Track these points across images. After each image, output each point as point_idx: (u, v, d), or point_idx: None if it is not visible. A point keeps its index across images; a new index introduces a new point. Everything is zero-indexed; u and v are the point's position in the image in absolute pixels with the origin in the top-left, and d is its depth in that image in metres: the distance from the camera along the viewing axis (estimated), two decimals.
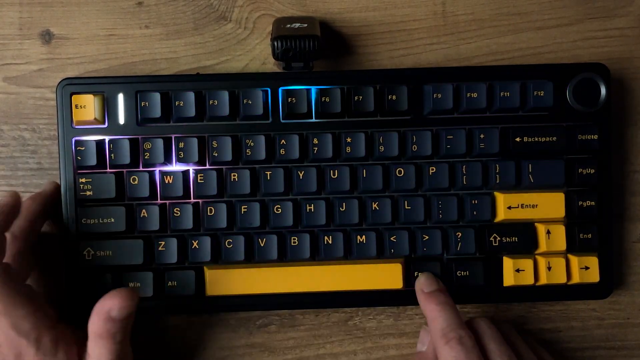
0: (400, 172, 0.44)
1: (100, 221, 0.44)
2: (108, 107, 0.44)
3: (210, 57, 0.48)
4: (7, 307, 0.37)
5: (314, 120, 0.45)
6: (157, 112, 0.44)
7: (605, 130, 0.45)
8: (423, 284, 0.43)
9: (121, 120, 0.44)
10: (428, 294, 0.43)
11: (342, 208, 0.44)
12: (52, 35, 0.48)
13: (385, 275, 0.44)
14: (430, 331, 0.42)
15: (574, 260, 0.45)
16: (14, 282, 0.39)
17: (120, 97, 0.44)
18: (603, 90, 0.45)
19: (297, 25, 0.44)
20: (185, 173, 0.44)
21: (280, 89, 0.44)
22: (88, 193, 0.44)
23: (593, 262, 0.45)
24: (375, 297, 0.45)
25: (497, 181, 0.45)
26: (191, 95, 0.44)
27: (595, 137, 0.45)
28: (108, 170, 0.44)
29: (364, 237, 0.44)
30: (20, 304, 0.38)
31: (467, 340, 0.40)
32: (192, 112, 0.44)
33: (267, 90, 0.44)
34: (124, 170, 0.44)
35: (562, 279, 0.45)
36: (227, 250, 0.44)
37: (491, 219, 0.45)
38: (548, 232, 0.45)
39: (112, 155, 0.44)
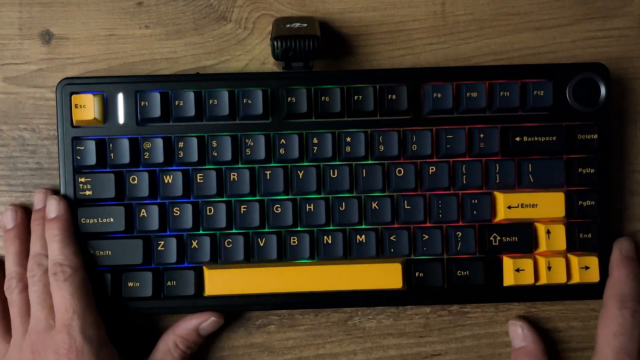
0: (400, 171, 0.44)
1: (100, 221, 0.44)
2: (108, 107, 0.44)
3: (210, 57, 0.48)
4: (84, 310, 0.41)
5: (314, 120, 0.45)
6: (156, 112, 0.44)
7: (605, 130, 0.45)
8: (623, 247, 0.45)
9: (121, 120, 0.44)
10: (625, 257, 0.44)
11: (342, 208, 0.44)
12: (52, 35, 0.48)
13: (385, 275, 0.44)
14: (607, 289, 0.44)
15: (574, 260, 0.45)
16: (89, 290, 0.42)
17: (120, 97, 0.44)
18: (603, 90, 0.45)
19: (297, 25, 0.44)
20: (185, 173, 0.44)
21: (280, 89, 0.44)
22: (87, 193, 0.44)
23: (593, 262, 0.45)
24: (375, 297, 0.45)
25: (497, 181, 0.45)
26: (191, 95, 0.44)
27: (595, 137, 0.45)
28: (108, 169, 0.44)
29: (363, 236, 0.44)
30: (91, 311, 0.41)
31: (638, 316, 0.43)
32: (191, 112, 0.44)
33: (267, 90, 0.44)
34: (124, 169, 0.44)
35: (562, 279, 0.45)
36: (227, 250, 0.44)
37: (491, 219, 0.45)
38: (548, 232, 0.45)
39: (112, 154, 0.44)
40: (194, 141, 0.44)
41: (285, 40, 0.42)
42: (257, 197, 0.45)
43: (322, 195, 0.45)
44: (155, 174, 0.44)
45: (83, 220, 0.44)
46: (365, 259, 0.45)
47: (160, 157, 0.44)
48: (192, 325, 0.44)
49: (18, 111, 0.47)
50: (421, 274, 0.45)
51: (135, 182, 0.44)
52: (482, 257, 0.45)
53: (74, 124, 0.44)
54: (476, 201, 0.45)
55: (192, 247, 0.44)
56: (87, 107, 0.44)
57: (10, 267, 0.44)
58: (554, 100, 0.45)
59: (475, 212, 0.45)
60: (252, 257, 0.44)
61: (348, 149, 0.44)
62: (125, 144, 0.44)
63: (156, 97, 0.44)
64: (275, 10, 0.48)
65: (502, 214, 0.45)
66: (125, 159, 0.44)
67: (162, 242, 0.44)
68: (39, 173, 0.47)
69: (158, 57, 0.48)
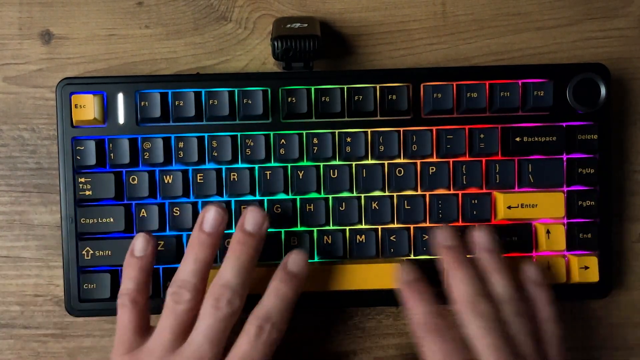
0: (400, 171, 0.44)
1: (100, 221, 0.44)
2: (108, 107, 0.44)
3: (210, 57, 0.48)
4: None
5: (314, 120, 0.45)
6: (156, 111, 0.44)
7: (605, 130, 0.45)
8: (442, 235, 0.42)
9: (121, 120, 0.44)
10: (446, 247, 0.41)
11: (342, 208, 0.44)
12: (52, 35, 0.48)
13: (385, 275, 0.44)
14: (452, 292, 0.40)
15: (574, 260, 0.45)
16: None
17: (120, 97, 0.44)
18: (603, 90, 0.45)
19: (297, 25, 0.44)
20: (185, 173, 0.44)
21: (280, 89, 0.44)
22: (87, 193, 0.44)
23: (593, 262, 0.45)
24: (375, 297, 0.45)
25: (497, 181, 0.45)
26: (191, 95, 0.44)
27: (595, 137, 0.45)
28: (107, 169, 0.44)
29: (363, 236, 0.44)
30: None
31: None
32: (191, 112, 0.44)
33: (267, 90, 0.44)
34: (124, 169, 0.44)
35: (562, 279, 0.45)
36: (226, 249, 0.44)
37: (491, 219, 0.45)
38: (548, 232, 0.45)
39: (112, 154, 0.44)
40: (194, 141, 0.44)
41: (286, 40, 0.42)
42: (257, 197, 0.45)
43: (322, 195, 0.45)
44: (155, 174, 0.44)
45: (83, 220, 0.44)
46: (365, 259, 0.45)
47: (160, 157, 0.44)
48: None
49: (18, 111, 0.47)
50: None
51: (135, 182, 0.44)
52: None
53: (74, 124, 0.44)
54: (476, 201, 0.45)
55: None
56: (87, 107, 0.44)
57: (187, 276, 0.38)
58: (554, 100, 0.45)
59: (475, 212, 0.45)
60: None
61: (348, 149, 0.44)
62: (125, 144, 0.44)
63: (156, 97, 0.44)
64: (276, 10, 0.48)
65: (502, 214, 0.45)
66: (125, 159, 0.44)
67: (162, 242, 0.44)
68: (39, 173, 0.47)
69: (158, 57, 0.48)
